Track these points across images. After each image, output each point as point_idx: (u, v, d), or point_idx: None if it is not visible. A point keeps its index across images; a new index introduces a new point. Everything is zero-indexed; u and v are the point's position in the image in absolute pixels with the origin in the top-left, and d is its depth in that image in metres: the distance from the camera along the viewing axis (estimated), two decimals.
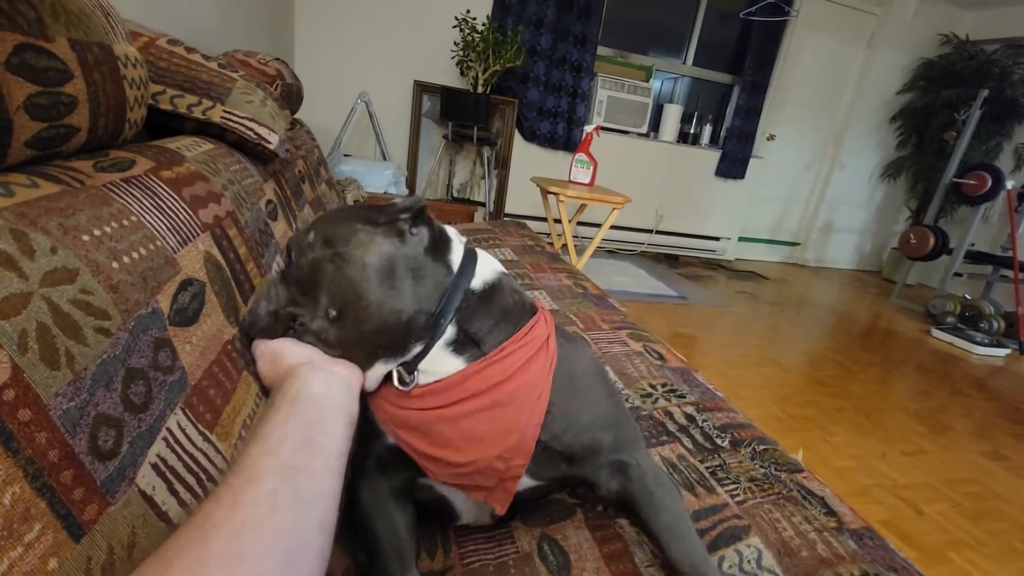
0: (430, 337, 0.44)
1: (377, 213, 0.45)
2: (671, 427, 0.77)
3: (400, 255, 0.43)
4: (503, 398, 0.43)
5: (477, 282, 0.46)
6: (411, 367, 0.44)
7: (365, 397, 0.47)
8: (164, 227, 0.43)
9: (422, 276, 0.44)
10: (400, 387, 0.44)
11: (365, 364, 0.44)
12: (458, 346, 0.44)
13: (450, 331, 0.44)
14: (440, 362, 0.44)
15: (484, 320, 0.45)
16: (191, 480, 0.36)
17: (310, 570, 0.28)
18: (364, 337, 0.43)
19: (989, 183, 3.04)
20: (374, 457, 0.50)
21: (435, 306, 0.44)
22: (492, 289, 0.47)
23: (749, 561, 0.55)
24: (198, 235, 0.48)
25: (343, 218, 0.46)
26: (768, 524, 0.60)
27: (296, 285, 0.45)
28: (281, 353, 0.44)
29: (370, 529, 0.48)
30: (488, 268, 0.49)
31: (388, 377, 0.46)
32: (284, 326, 0.46)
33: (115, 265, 0.34)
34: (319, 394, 0.37)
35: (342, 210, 0.48)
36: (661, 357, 0.99)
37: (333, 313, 0.42)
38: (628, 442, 0.53)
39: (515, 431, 0.43)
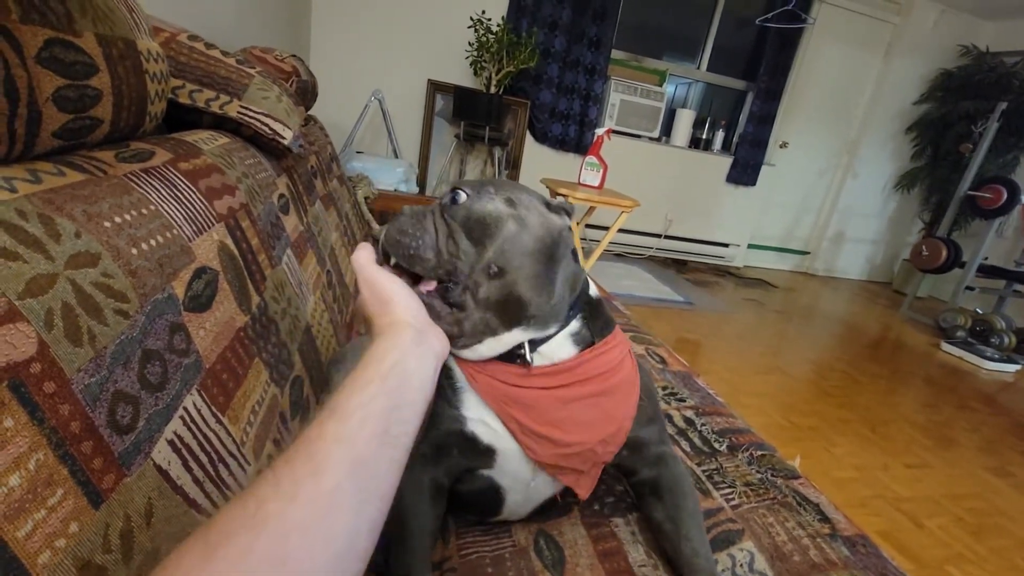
0: (562, 324, 0.48)
1: (545, 201, 0.49)
2: (670, 430, 0.78)
3: (564, 244, 0.48)
4: (608, 388, 0.48)
5: (592, 292, 0.53)
6: (533, 347, 0.47)
7: (452, 379, 0.49)
8: (180, 216, 0.44)
9: (569, 269, 0.49)
10: (530, 363, 0.47)
11: (500, 328, 0.45)
12: (577, 337, 0.49)
13: (575, 324, 0.49)
14: (560, 348, 0.48)
15: (597, 321, 0.51)
16: (204, 459, 0.38)
17: (353, 572, 0.27)
18: (507, 305, 0.44)
19: (1005, 197, 3.01)
20: (431, 444, 0.49)
21: (571, 299, 0.49)
22: (599, 301, 0.54)
23: (742, 565, 0.55)
24: (213, 225, 0.49)
25: (524, 189, 0.49)
26: (762, 528, 0.61)
27: (463, 227, 0.44)
28: (394, 298, 0.41)
29: (404, 524, 0.48)
30: (593, 287, 0.55)
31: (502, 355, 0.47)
32: (436, 268, 0.44)
33: (134, 251, 0.36)
34: (412, 372, 0.35)
35: (518, 183, 0.50)
36: (663, 360, 1.00)
37: (495, 269, 0.43)
38: (666, 438, 0.59)
39: (615, 420, 0.49)
